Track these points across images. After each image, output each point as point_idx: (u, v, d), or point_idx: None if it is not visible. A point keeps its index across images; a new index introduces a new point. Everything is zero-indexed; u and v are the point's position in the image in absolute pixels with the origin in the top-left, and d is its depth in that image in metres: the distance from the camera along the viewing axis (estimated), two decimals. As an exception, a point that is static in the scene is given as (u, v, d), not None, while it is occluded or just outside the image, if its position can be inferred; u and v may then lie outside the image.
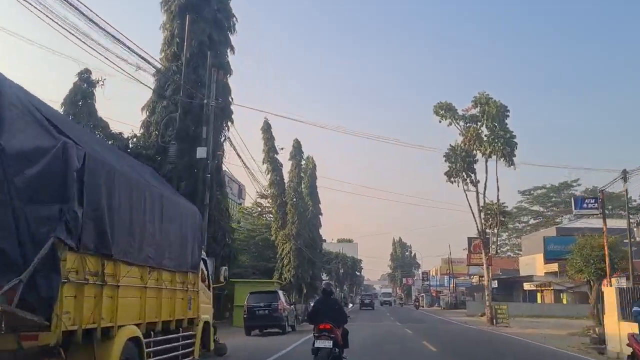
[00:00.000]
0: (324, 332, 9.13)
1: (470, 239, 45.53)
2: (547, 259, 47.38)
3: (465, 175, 31.52)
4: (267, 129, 34.89)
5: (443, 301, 68.63)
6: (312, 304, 12.97)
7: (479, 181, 31.63)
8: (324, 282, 12.60)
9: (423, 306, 72.24)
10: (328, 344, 9.01)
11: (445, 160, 31.80)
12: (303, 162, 37.36)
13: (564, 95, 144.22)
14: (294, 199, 34.10)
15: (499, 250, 42.68)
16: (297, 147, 35.06)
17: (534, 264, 59.53)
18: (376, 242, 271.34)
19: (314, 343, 9.23)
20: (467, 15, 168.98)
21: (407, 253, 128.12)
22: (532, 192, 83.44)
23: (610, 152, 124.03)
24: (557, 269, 53.67)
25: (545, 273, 56.13)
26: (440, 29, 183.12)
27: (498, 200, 30.98)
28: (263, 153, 34.90)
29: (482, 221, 31.72)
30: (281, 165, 35.21)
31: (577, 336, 23.22)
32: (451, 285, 74.23)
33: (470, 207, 31.77)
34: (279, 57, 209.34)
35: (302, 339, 21.10)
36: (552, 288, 50.29)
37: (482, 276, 55.11)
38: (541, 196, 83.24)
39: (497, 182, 30.90)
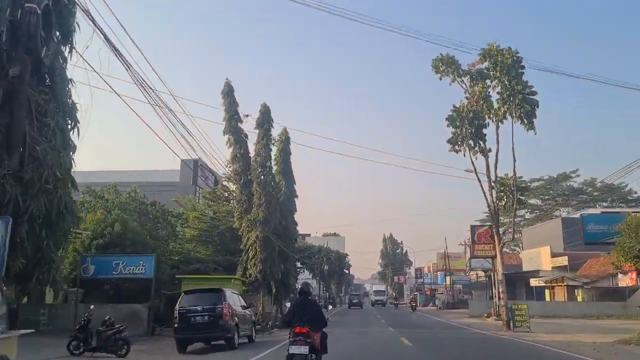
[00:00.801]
0: (300, 337, 8.43)
1: (474, 227, 39.20)
2: (587, 243, 40.78)
3: (472, 143, 25.23)
4: (228, 91, 28.38)
5: (439, 300, 62.36)
6: (288, 305, 10.48)
7: (490, 150, 25.37)
8: (302, 282, 10.81)
9: (416, 305, 66.03)
10: (304, 349, 8.34)
11: (448, 125, 25.49)
12: (276, 137, 30.72)
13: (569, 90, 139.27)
14: (261, 177, 27.57)
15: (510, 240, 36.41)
16: (266, 113, 28.47)
17: (539, 258, 53.78)
18: (367, 241, 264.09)
19: (288, 349, 8.53)
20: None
21: (397, 250, 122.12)
22: (528, 184, 78.00)
23: (611, 144, 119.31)
24: (566, 263, 47.99)
25: (553, 267, 50.39)
26: (441, 30, 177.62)
27: (515, 173, 24.71)
28: (224, 122, 28.42)
29: (495, 200, 25.49)
30: (246, 136, 28.76)
31: (632, 345, 17.24)
32: (447, 283, 68.21)
33: (480, 182, 25.52)
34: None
35: (259, 354, 14.85)
36: (565, 284, 44.23)
37: (486, 271, 49.23)
38: (539, 188, 77.75)
39: (513, 150, 24.64)
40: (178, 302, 15.98)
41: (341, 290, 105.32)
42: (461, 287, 69.41)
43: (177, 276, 22.86)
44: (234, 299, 16.88)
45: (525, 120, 24.05)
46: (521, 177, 24.57)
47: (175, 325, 15.63)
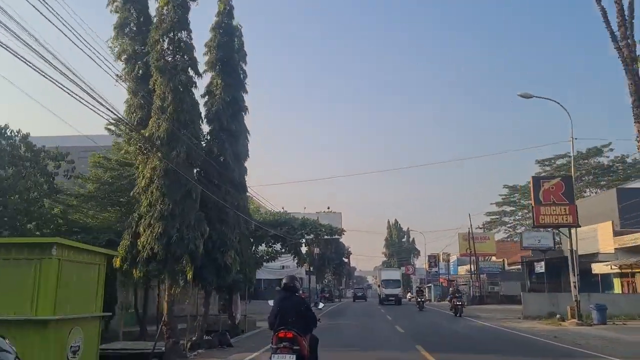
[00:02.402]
0: (285, 342, 6.98)
1: (537, 180, 25.58)
2: None
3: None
4: None
5: (463, 294, 49.07)
6: (270, 304, 7.45)
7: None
8: (286, 275, 8.37)
9: (462, 305, 52.76)
10: (290, 358, 6.87)
11: None
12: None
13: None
14: (165, 58, 14.21)
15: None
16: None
17: (594, 238, 40.14)
18: (369, 236, 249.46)
19: (271, 358, 7.03)
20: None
21: (403, 239, 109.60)
22: (552, 161, 65.26)
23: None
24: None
25: (617, 249, 36.95)
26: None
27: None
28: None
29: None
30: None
31: None
32: (471, 271, 55.23)
33: (616, 37, 12.28)
34: None
35: None
36: (656, 268, 31.13)
37: (544, 250, 36.05)
38: (564, 166, 64.52)
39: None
40: None
41: (341, 283, 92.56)
42: (485, 277, 56.56)
43: None
44: None
45: None
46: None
47: None
